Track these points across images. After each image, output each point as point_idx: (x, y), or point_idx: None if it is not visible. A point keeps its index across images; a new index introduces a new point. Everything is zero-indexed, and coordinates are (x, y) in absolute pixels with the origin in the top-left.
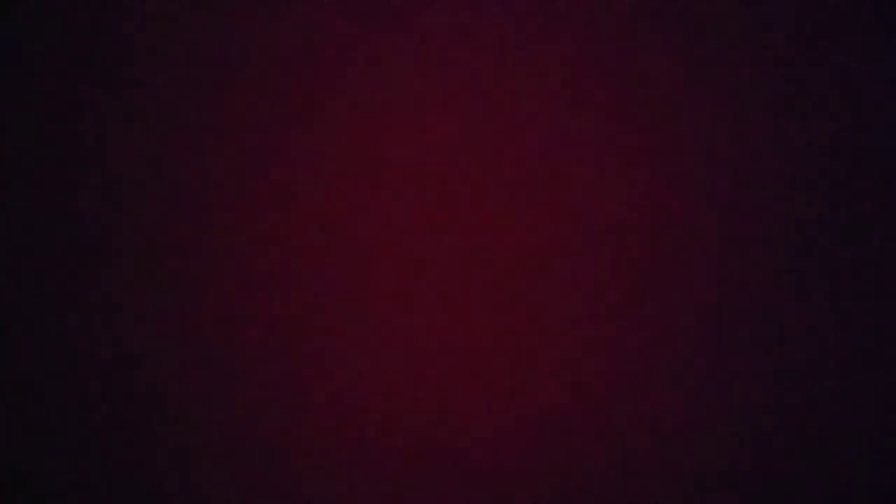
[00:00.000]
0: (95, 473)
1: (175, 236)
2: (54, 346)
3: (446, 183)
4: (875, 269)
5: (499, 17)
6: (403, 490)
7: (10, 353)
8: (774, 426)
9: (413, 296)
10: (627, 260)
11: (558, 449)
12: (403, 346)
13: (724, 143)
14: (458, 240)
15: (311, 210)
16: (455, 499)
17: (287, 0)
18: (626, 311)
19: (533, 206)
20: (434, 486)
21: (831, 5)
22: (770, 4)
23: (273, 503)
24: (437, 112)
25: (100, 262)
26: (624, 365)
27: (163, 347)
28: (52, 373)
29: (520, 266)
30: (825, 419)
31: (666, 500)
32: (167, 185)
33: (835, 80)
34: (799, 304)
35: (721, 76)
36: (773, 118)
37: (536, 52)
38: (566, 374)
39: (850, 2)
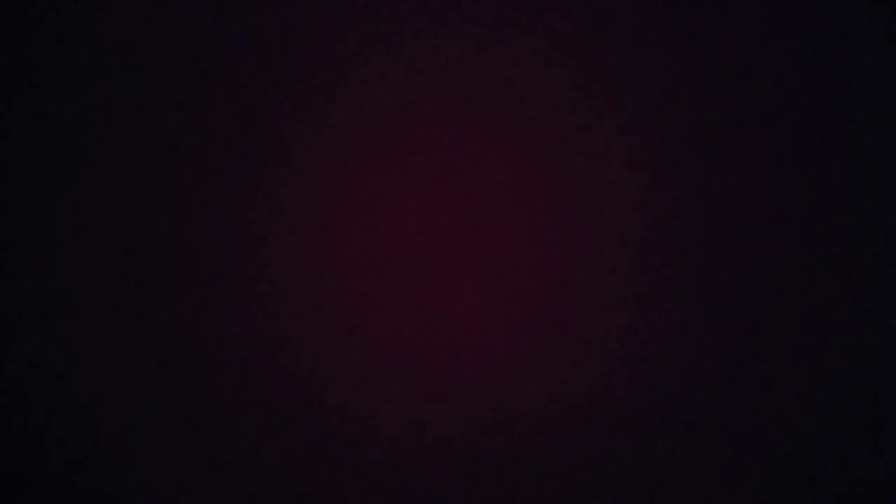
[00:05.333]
0: (95, 473)
1: (180, 237)
2: (54, 346)
3: (448, 184)
4: (875, 269)
5: (500, 19)
6: (406, 489)
7: (9, 352)
8: (775, 427)
9: (416, 296)
10: (629, 260)
11: (560, 448)
12: (405, 346)
13: (725, 144)
14: (459, 240)
15: (313, 211)
16: (457, 495)
17: (295, 3)
18: (627, 311)
19: (536, 208)
20: (437, 483)
21: (830, 6)
22: (768, 6)
23: (274, 501)
24: (440, 112)
25: (109, 264)
26: (627, 364)
27: (162, 347)
28: (53, 371)
29: (523, 266)
30: (825, 419)
31: (666, 498)
32: (173, 186)
33: (835, 79)
34: (799, 303)
35: (722, 75)
36: (774, 119)
37: (538, 53)
38: (567, 374)
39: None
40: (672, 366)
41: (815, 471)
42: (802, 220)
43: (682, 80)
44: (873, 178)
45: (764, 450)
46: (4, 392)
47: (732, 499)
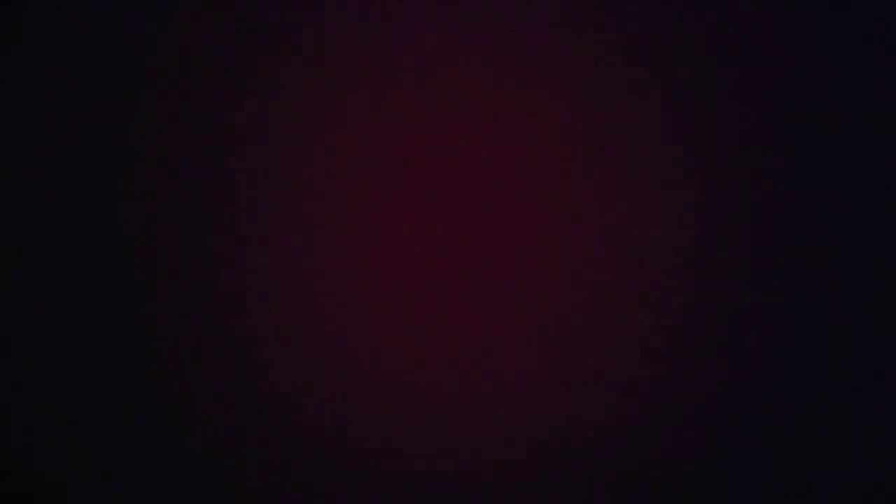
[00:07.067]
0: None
1: (181, 236)
2: (56, 346)
3: (447, 184)
4: (875, 270)
5: (498, 24)
6: (401, 491)
7: (11, 353)
8: (774, 428)
9: (414, 300)
10: (626, 261)
11: (558, 449)
12: (404, 346)
13: (722, 144)
14: (459, 242)
15: (314, 211)
16: (451, 498)
17: (301, 5)
18: (624, 312)
19: (534, 209)
20: (433, 484)
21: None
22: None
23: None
24: (442, 114)
25: (115, 262)
26: (623, 366)
27: (165, 345)
28: (55, 372)
29: (519, 268)
30: (823, 420)
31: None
32: (176, 185)
33: (833, 80)
34: (797, 304)
35: (719, 76)
36: (777, 119)
37: (536, 59)
38: (564, 377)
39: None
40: (675, 368)
41: (815, 471)
42: (803, 221)
43: (684, 81)
44: (874, 178)
45: (764, 451)
46: (4, 392)
47: (732, 499)
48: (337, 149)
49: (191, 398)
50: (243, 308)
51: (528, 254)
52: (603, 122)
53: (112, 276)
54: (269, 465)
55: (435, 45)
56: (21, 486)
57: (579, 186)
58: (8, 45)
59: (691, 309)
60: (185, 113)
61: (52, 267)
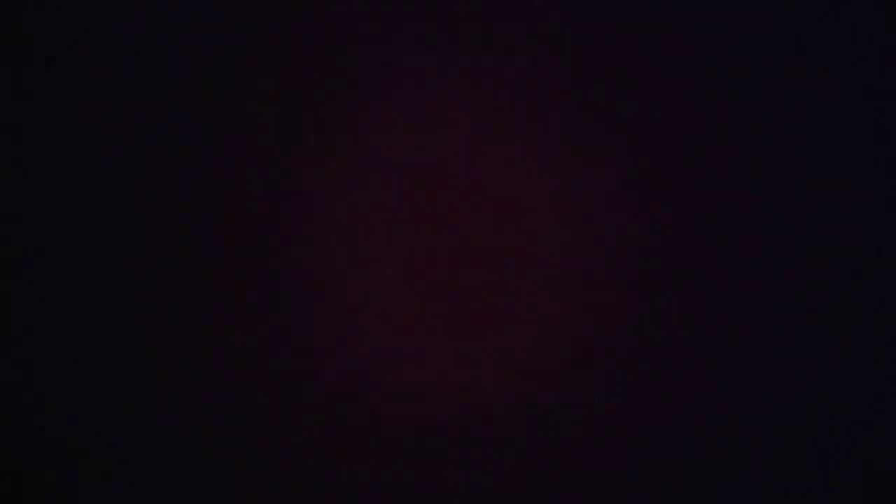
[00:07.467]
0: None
1: (184, 238)
2: (57, 347)
3: (447, 184)
4: (874, 272)
5: (499, 25)
6: (399, 481)
7: (12, 354)
8: (770, 427)
9: (412, 295)
10: (623, 259)
11: (551, 447)
12: (401, 344)
13: (720, 144)
14: (457, 240)
15: (315, 211)
16: (448, 486)
17: (302, 8)
18: (619, 310)
19: (530, 206)
20: (429, 478)
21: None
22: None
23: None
24: (439, 112)
25: (118, 263)
26: (618, 364)
27: (169, 344)
28: (55, 373)
29: (516, 266)
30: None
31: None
32: (180, 189)
33: (832, 83)
34: (793, 304)
35: (719, 79)
36: (773, 120)
37: (536, 59)
38: (558, 372)
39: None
40: (674, 367)
41: (814, 472)
42: (801, 221)
43: (680, 81)
44: (873, 178)
45: (762, 451)
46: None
47: (728, 499)
48: (338, 151)
49: (191, 398)
50: (242, 308)
51: (529, 254)
52: (605, 123)
53: (112, 276)
54: (269, 465)
55: (436, 46)
56: (21, 486)
57: (580, 188)
58: (8, 45)
59: (692, 310)
60: (185, 113)
61: (51, 267)
